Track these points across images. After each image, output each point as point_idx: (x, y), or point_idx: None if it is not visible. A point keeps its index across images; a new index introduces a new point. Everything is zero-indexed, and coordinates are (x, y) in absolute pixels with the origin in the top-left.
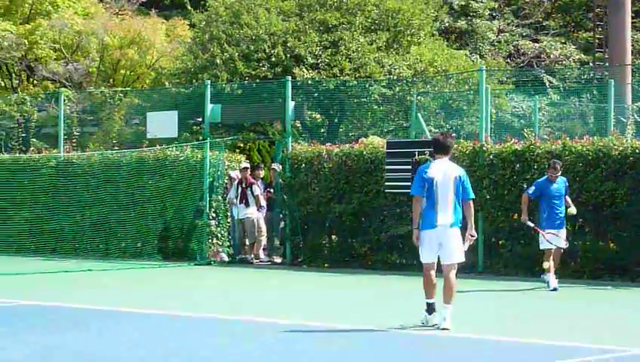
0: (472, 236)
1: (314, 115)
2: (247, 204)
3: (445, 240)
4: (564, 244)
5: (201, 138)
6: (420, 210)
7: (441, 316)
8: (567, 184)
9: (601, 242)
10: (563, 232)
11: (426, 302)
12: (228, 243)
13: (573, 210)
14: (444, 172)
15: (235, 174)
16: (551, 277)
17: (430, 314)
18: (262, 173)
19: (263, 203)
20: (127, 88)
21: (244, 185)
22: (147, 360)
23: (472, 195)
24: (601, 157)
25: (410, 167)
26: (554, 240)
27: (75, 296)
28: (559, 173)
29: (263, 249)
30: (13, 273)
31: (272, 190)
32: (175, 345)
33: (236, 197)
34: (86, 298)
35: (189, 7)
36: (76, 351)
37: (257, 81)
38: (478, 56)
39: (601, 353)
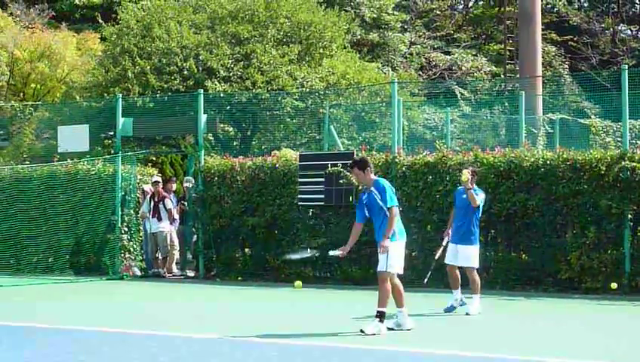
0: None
1: (226, 128)
2: (159, 218)
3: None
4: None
5: (112, 152)
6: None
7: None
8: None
9: (514, 253)
10: (462, 249)
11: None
12: (140, 258)
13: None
14: None
15: (148, 188)
16: (455, 296)
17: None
18: (174, 187)
19: (176, 216)
20: (37, 102)
21: (156, 199)
22: None
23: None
24: (513, 168)
25: (322, 179)
26: (450, 256)
27: None
28: (469, 179)
29: (176, 263)
30: None
31: (185, 203)
32: (87, 360)
33: (148, 211)
34: None
35: (100, 21)
36: None
37: (169, 94)
38: (390, 69)
39: None
